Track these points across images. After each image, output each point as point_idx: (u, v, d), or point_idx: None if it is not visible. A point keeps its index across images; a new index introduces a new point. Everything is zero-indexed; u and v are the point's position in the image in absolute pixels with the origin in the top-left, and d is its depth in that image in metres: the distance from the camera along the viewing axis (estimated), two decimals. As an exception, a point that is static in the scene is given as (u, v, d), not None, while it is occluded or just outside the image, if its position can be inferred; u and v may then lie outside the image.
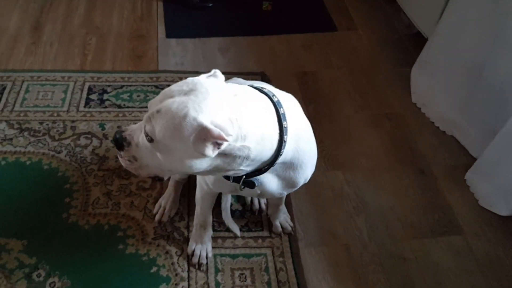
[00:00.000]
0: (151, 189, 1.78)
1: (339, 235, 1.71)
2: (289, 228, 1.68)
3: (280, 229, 1.67)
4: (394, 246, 1.68)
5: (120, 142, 1.06)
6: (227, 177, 1.13)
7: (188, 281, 1.54)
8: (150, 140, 0.97)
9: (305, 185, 1.83)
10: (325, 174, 1.90)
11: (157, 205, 1.71)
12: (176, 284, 1.52)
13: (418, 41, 2.41)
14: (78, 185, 1.76)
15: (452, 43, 2.00)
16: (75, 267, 1.54)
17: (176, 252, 1.60)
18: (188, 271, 1.56)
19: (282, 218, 1.68)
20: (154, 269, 1.55)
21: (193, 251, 1.58)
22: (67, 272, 1.52)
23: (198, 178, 1.38)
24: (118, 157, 1.11)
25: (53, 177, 1.79)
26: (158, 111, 0.95)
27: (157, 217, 1.68)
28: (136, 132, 1.05)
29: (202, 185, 1.38)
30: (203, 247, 1.58)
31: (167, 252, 1.60)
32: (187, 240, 1.63)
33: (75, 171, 1.81)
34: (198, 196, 1.47)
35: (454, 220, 1.77)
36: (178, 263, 1.58)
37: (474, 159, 1.91)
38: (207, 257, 1.58)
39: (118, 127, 1.97)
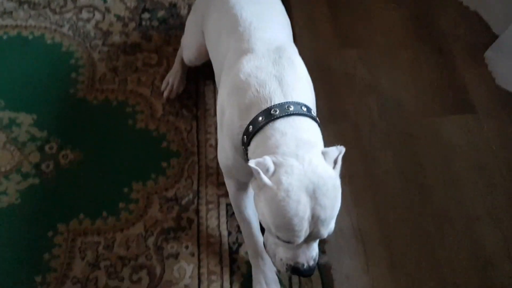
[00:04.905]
0: (157, 65, 1.73)
1: (349, 113, 1.68)
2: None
3: None
4: (405, 124, 1.66)
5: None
6: None
7: (198, 155, 1.56)
8: None
9: (316, 63, 1.79)
10: (339, 52, 1.82)
11: (164, 82, 1.67)
12: (186, 158, 1.55)
13: None
14: (83, 61, 1.72)
15: None
16: (86, 140, 1.56)
17: (185, 128, 1.61)
18: (198, 146, 1.58)
19: None
20: (164, 144, 1.57)
21: None
22: (78, 145, 1.54)
23: (226, 179, 1.32)
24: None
25: (57, 52, 1.74)
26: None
27: (165, 94, 1.66)
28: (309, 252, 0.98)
29: (229, 183, 1.31)
30: None
31: (176, 128, 1.60)
32: (196, 117, 1.62)
33: (79, 46, 1.75)
34: (231, 199, 1.33)
35: (468, 99, 1.73)
36: (187, 138, 1.59)
37: (496, 37, 1.81)
38: None
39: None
